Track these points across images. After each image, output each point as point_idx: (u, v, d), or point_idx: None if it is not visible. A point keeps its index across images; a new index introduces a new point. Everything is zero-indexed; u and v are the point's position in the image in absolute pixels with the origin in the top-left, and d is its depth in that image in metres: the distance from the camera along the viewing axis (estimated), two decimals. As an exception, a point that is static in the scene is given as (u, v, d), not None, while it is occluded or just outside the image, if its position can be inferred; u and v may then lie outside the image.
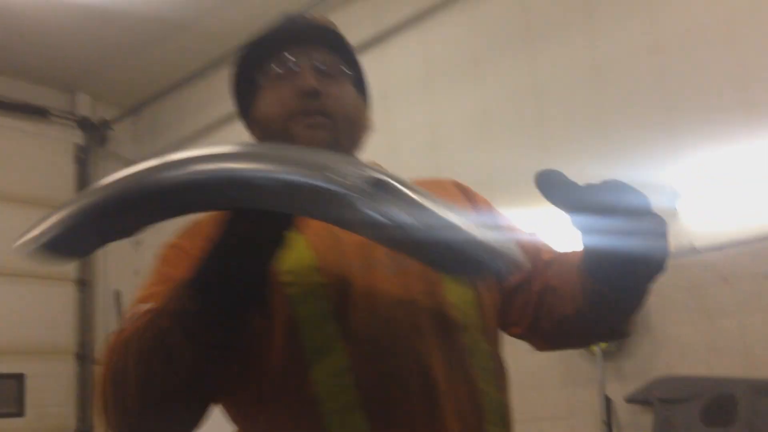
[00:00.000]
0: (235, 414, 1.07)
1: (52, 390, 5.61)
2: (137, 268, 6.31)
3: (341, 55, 1.21)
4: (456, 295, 1.07)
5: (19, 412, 5.43)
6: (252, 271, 0.86)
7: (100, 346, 5.91)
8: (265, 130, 1.17)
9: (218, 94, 5.70)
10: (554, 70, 3.82)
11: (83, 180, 6.07)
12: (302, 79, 1.15)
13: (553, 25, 3.86)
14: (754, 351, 2.95)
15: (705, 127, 3.24)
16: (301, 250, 1.04)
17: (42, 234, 0.76)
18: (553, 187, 0.85)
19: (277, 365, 1.00)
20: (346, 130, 1.15)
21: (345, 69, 1.20)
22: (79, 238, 0.77)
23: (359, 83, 1.24)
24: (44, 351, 5.65)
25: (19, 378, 5.48)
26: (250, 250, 0.84)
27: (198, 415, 0.94)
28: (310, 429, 0.98)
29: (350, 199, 0.70)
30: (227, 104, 5.28)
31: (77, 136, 6.11)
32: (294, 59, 1.18)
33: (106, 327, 5.99)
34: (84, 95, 6.14)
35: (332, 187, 0.69)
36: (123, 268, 6.20)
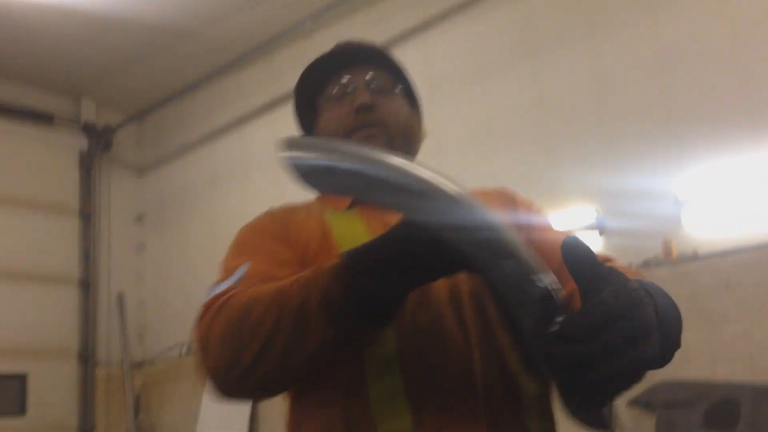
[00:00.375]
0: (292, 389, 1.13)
1: (54, 390, 5.64)
2: (140, 271, 6.33)
3: (391, 73, 1.30)
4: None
5: (22, 412, 5.45)
6: (406, 286, 0.90)
7: (102, 348, 5.93)
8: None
9: (222, 101, 5.73)
10: (557, 80, 3.84)
11: (87, 184, 6.10)
12: (357, 97, 1.25)
13: (557, 37, 3.88)
14: (757, 356, 2.96)
15: (708, 135, 3.27)
16: (361, 239, 1.06)
17: (304, 158, 0.83)
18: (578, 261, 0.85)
19: None
20: (399, 139, 1.24)
21: (395, 84, 1.29)
22: (325, 180, 0.83)
23: (411, 97, 1.33)
24: (47, 352, 5.68)
25: (21, 378, 5.51)
26: (419, 269, 0.88)
27: (292, 384, 1.05)
28: (357, 408, 1.02)
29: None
30: (231, 111, 5.32)
31: (82, 142, 6.14)
32: (348, 80, 1.27)
33: (109, 329, 6.01)
34: (89, 101, 6.17)
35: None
36: (126, 271, 6.23)
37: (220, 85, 5.65)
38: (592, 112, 3.68)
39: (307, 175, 0.82)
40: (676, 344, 0.99)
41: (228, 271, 1.11)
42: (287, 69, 5.26)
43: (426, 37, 4.35)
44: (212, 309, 1.02)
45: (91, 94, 6.10)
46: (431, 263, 0.86)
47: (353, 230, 1.16)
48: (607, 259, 1.17)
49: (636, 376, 0.77)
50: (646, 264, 3.29)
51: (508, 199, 1.30)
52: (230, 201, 5.57)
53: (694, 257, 3.18)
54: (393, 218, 1.10)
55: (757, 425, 2.71)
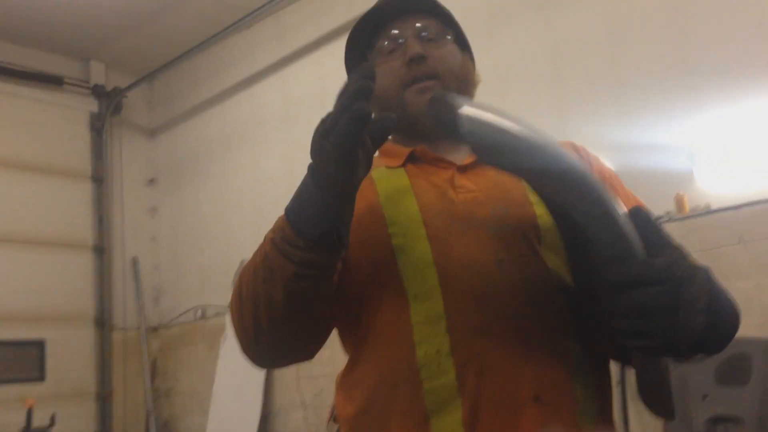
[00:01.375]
0: (347, 346, 1.17)
1: (71, 355, 5.71)
2: (154, 234, 6.36)
3: (440, 20, 1.29)
4: (553, 260, 1.11)
5: (41, 377, 5.53)
6: (332, 201, 0.95)
7: (118, 312, 5.99)
8: (382, 103, 1.21)
9: (231, 60, 5.70)
10: (571, 29, 3.78)
11: (98, 148, 6.11)
12: (409, 48, 1.23)
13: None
14: (770, 311, 2.95)
15: (723, 86, 3.21)
16: (409, 206, 1.13)
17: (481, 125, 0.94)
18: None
19: (380, 306, 1.08)
20: (455, 87, 1.22)
21: (446, 32, 1.28)
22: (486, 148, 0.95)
23: (462, 42, 1.32)
24: (64, 317, 5.74)
25: (39, 344, 5.58)
26: (331, 181, 0.92)
27: (313, 334, 1.07)
28: (405, 366, 1.04)
29: None
30: (240, 70, 5.26)
31: (92, 104, 6.14)
32: (398, 32, 1.25)
33: (124, 293, 6.07)
34: (98, 63, 6.15)
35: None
36: (140, 235, 6.26)
37: (229, 44, 5.61)
38: (604, 62, 3.63)
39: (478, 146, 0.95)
40: (725, 337, 1.02)
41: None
42: (296, 26, 5.21)
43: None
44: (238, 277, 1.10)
45: (100, 56, 6.08)
46: (331, 171, 0.90)
47: (397, 184, 1.17)
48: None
49: (678, 346, 0.87)
50: (659, 219, 3.27)
51: (580, 154, 1.28)
52: (242, 161, 5.57)
53: (707, 211, 3.16)
54: (437, 177, 1.17)
55: (770, 380, 2.71)
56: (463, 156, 1.21)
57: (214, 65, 5.82)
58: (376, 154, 1.20)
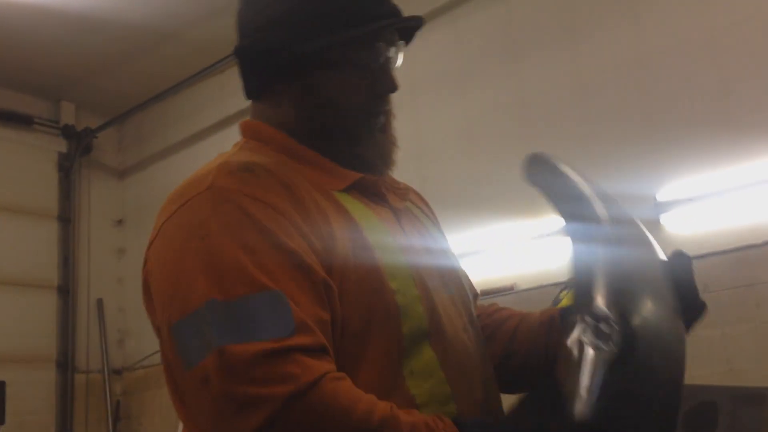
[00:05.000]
0: None
1: (32, 398, 5.55)
2: (121, 276, 6.28)
3: None
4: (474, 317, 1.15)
5: (0, 420, 5.38)
6: None
7: (81, 355, 5.87)
8: (340, 111, 1.08)
9: (203, 103, 5.71)
10: (538, 83, 3.85)
11: (66, 188, 6.05)
12: (393, 79, 1.12)
13: (537, 39, 3.90)
14: (735, 360, 2.98)
15: (687, 139, 3.29)
16: (398, 254, 1.02)
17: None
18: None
19: (369, 376, 0.94)
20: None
21: None
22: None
23: None
24: (25, 359, 5.60)
25: (-1, 386, 5.44)
26: None
27: None
28: (392, 380, 0.96)
29: None
30: (211, 114, 5.27)
31: (61, 144, 6.09)
32: (397, 51, 1.14)
33: (88, 335, 5.96)
34: (68, 104, 6.11)
35: None
36: (106, 277, 6.17)
37: (201, 88, 5.62)
38: (571, 115, 3.70)
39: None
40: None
41: (241, 290, 0.85)
42: (269, 73, 5.24)
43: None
44: (277, 391, 0.79)
45: (71, 96, 6.04)
46: None
47: (373, 221, 1.04)
48: None
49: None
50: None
51: (427, 204, 1.30)
52: (211, 205, 5.53)
53: (674, 261, 3.19)
54: (388, 218, 1.09)
55: (736, 429, 2.72)
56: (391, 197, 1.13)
57: (185, 108, 5.82)
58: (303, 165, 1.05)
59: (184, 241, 0.92)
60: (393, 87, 1.11)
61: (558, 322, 1.17)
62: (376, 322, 0.94)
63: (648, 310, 0.90)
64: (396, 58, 1.14)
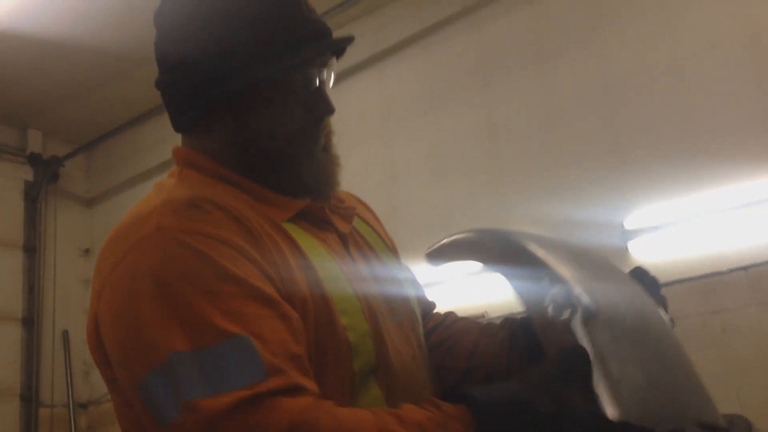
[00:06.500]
0: None
1: (-5, 433, 5.43)
2: (87, 307, 6.16)
3: None
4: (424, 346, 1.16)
5: (-39, 457, 5.25)
6: None
7: (46, 388, 5.76)
8: (278, 141, 1.04)
9: (172, 132, 5.65)
10: (508, 109, 3.90)
11: (32, 217, 5.96)
12: (328, 102, 1.07)
13: (506, 66, 3.95)
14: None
15: (654, 166, 3.33)
16: (346, 286, 1.00)
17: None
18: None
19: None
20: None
21: None
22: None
23: None
24: (-12, 392, 5.48)
25: (-39, 420, 5.31)
26: None
27: None
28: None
29: None
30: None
31: (27, 173, 6.01)
32: (329, 72, 1.10)
33: (53, 368, 5.84)
34: (35, 131, 6.05)
35: None
36: (72, 308, 6.06)
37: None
38: (542, 142, 3.74)
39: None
40: None
41: (207, 338, 0.82)
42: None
43: (381, 66, 4.38)
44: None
45: (38, 124, 5.98)
46: None
47: (318, 250, 1.01)
48: None
49: None
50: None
51: (374, 215, 1.29)
52: (180, 234, 5.49)
53: (642, 288, 3.22)
54: (334, 244, 1.07)
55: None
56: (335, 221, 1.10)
57: (154, 137, 5.78)
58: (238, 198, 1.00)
59: (139, 291, 0.87)
60: (330, 109, 1.07)
61: (520, 333, 1.17)
62: (329, 360, 0.93)
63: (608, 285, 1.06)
64: (330, 79, 1.10)
